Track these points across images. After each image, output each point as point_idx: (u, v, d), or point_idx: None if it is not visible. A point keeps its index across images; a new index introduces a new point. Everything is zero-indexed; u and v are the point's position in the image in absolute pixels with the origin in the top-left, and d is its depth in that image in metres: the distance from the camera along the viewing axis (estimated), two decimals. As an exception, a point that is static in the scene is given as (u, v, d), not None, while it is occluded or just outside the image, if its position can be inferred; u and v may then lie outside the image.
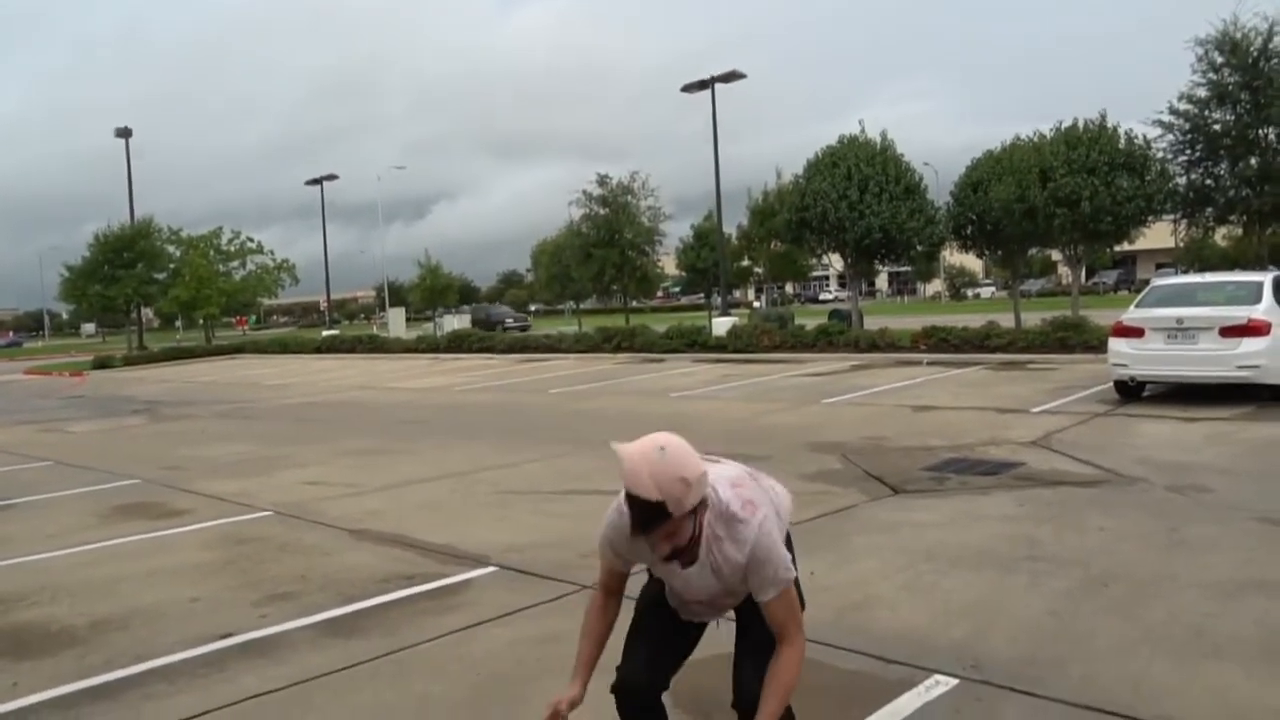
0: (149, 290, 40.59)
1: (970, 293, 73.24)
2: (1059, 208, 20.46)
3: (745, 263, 53.17)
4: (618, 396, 14.99)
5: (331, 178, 42.32)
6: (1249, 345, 10.14)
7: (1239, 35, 19.82)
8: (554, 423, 12.42)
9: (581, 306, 51.77)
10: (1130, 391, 11.31)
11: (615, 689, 2.73)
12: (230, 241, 44.18)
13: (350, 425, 13.35)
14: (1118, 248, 25.13)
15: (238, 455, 10.82)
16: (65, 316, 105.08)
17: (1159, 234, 26.59)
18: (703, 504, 2.46)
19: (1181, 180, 21.08)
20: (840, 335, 21.00)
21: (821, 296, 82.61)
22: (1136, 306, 11.53)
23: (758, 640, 2.67)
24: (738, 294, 70.03)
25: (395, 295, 65.63)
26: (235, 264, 44.35)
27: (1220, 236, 26.04)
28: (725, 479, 2.61)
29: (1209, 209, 21.11)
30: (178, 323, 65.77)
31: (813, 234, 23.15)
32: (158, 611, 5.17)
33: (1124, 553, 5.31)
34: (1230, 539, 5.47)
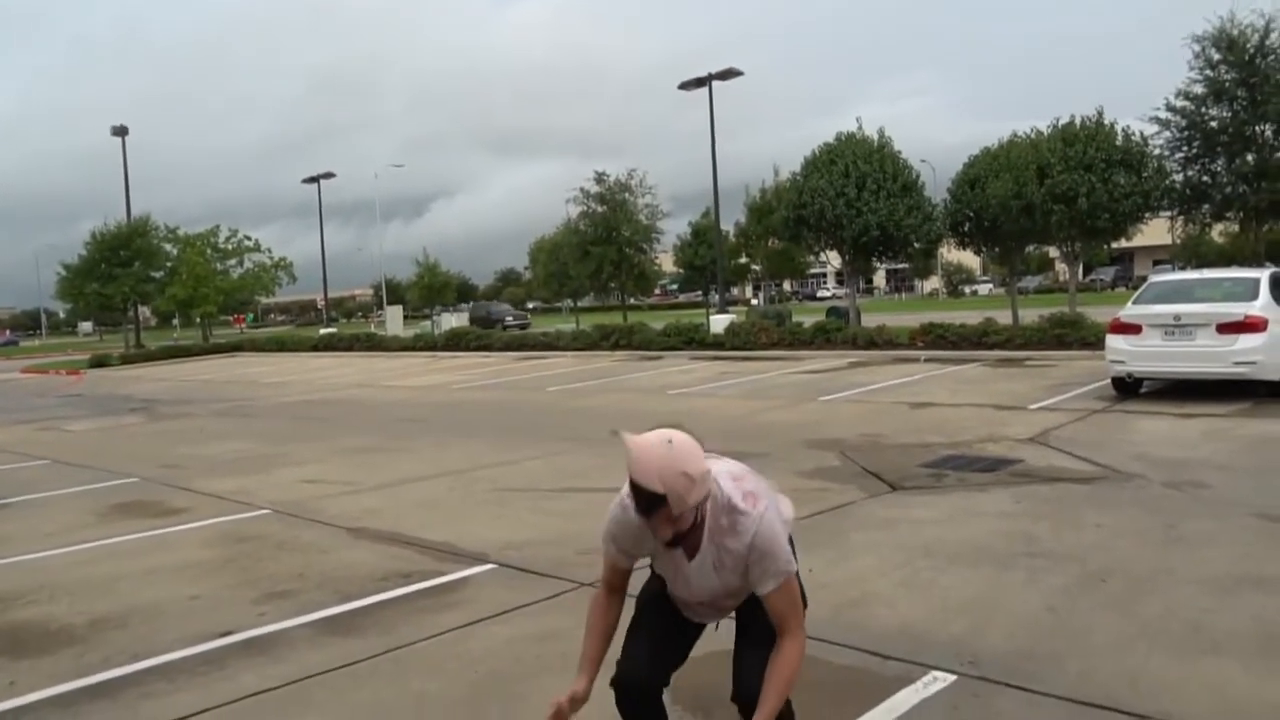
0: (146, 289, 40.55)
1: (968, 290, 73.31)
2: (1056, 204, 20.49)
3: (743, 260, 53.18)
4: (616, 394, 14.99)
5: (329, 176, 42.32)
6: (1246, 341, 10.16)
7: (1236, 32, 19.87)
8: (552, 420, 12.42)
9: (579, 304, 51.82)
10: (1128, 388, 11.33)
11: (615, 683, 2.73)
12: (227, 240, 44.19)
13: (348, 423, 13.34)
14: (1115, 244, 25.18)
15: (236, 453, 10.81)
16: (62, 315, 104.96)
17: (1156, 231, 26.59)
18: (705, 496, 2.49)
19: (1178, 177, 21.13)
20: (838, 332, 21.00)
21: (819, 294, 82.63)
22: (1134, 303, 11.55)
23: (758, 635, 2.68)
24: (735, 291, 70.04)
25: (393, 293, 65.64)
26: (232, 262, 44.34)
27: (1217, 233, 26.11)
28: (727, 473, 2.63)
29: (1206, 205, 21.17)
30: (175, 321, 65.65)
31: (810, 231, 23.18)
32: (156, 610, 5.17)
33: (1121, 549, 5.32)
34: (1227, 535, 5.48)
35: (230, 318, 55.00)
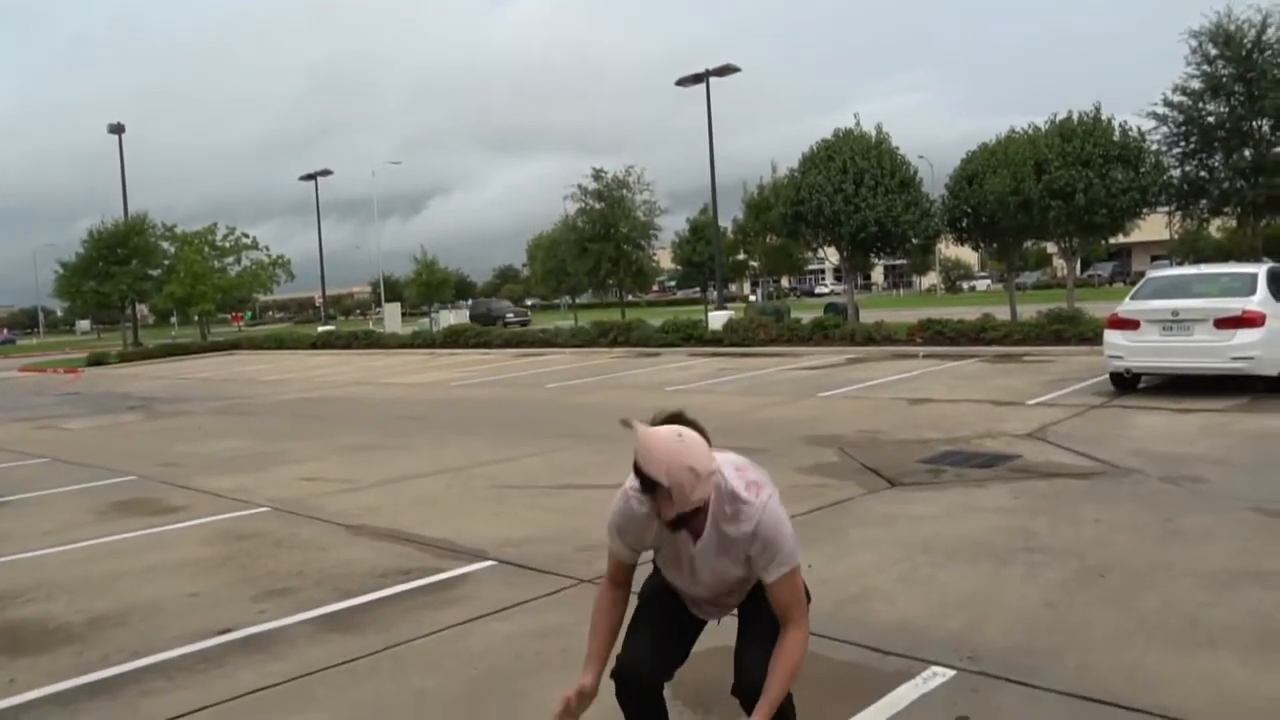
0: (144, 286, 40.49)
1: (965, 285, 73.33)
2: (1054, 200, 20.49)
3: (741, 256, 53.12)
4: (614, 391, 15.00)
5: (326, 173, 42.28)
6: (1244, 336, 10.17)
7: (1233, 27, 19.87)
8: (550, 417, 12.43)
9: (577, 301, 51.79)
10: (1126, 383, 11.34)
11: (615, 674, 2.73)
12: (225, 237, 44.07)
13: (347, 421, 13.34)
14: (1113, 240, 25.17)
15: (234, 451, 10.81)
16: (60, 314, 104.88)
17: (1154, 226, 26.62)
18: (709, 494, 2.51)
19: (1176, 172, 21.13)
20: (836, 328, 21.01)
21: (817, 290, 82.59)
22: (1132, 298, 11.56)
23: (760, 629, 2.70)
24: (733, 288, 69.99)
25: (391, 291, 65.58)
26: (230, 260, 44.24)
27: (1215, 228, 26.12)
28: (730, 463, 2.65)
29: (1203, 201, 21.17)
30: (173, 319, 65.67)
31: (808, 227, 23.15)
32: (155, 607, 5.17)
33: (1119, 544, 5.32)
34: (1225, 529, 5.49)
35: (228, 315, 54.95)
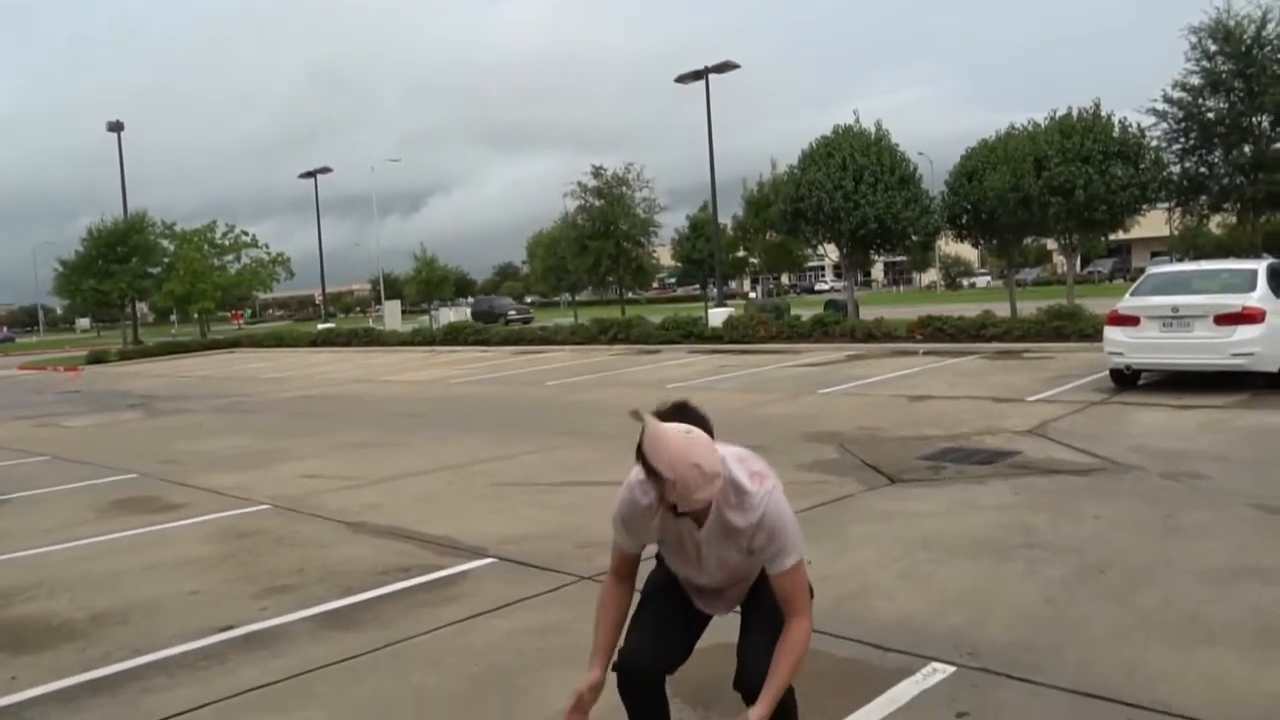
0: (143, 285, 40.50)
1: (965, 282, 73.34)
2: (1053, 196, 20.47)
3: (741, 253, 53.08)
4: (613, 388, 15.00)
5: (325, 171, 42.23)
6: (1243, 333, 10.17)
7: (1233, 23, 19.84)
8: (550, 415, 12.43)
9: (577, 298, 51.76)
10: (1126, 380, 11.34)
11: (617, 667, 2.74)
12: (224, 235, 44.05)
13: (347, 418, 13.34)
14: (1112, 236, 25.12)
15: (234, 449, 10.82)
16: (60, 312, 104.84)
17: (1154, 222, 26.63)
18: (714, 495, 2.52)
19: (1176, 168, 21.10)
20: (836, 325, 21.01)
21: (817, 287, 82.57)
22: (1132, 295, 11.56)
23: (763, 623, 2.71)
24: (733, 285, 69.96)
25: (391, 288, 65.61)
26: (230, 258, 44.22)
27: (1215, 224, 26.07)
28: (733, 455, 2.66)
29: (1203, 197, 21.15)
30: (173, 317, 65.65)
31: (808, 224, 23.14)
32: (157, 605, 5.18)
33: (1119, 540, 5.33)
34: (1225, 526, 5.50)
35: (228, 313, 54.92)
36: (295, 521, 6.99)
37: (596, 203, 33.89)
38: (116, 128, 39.71)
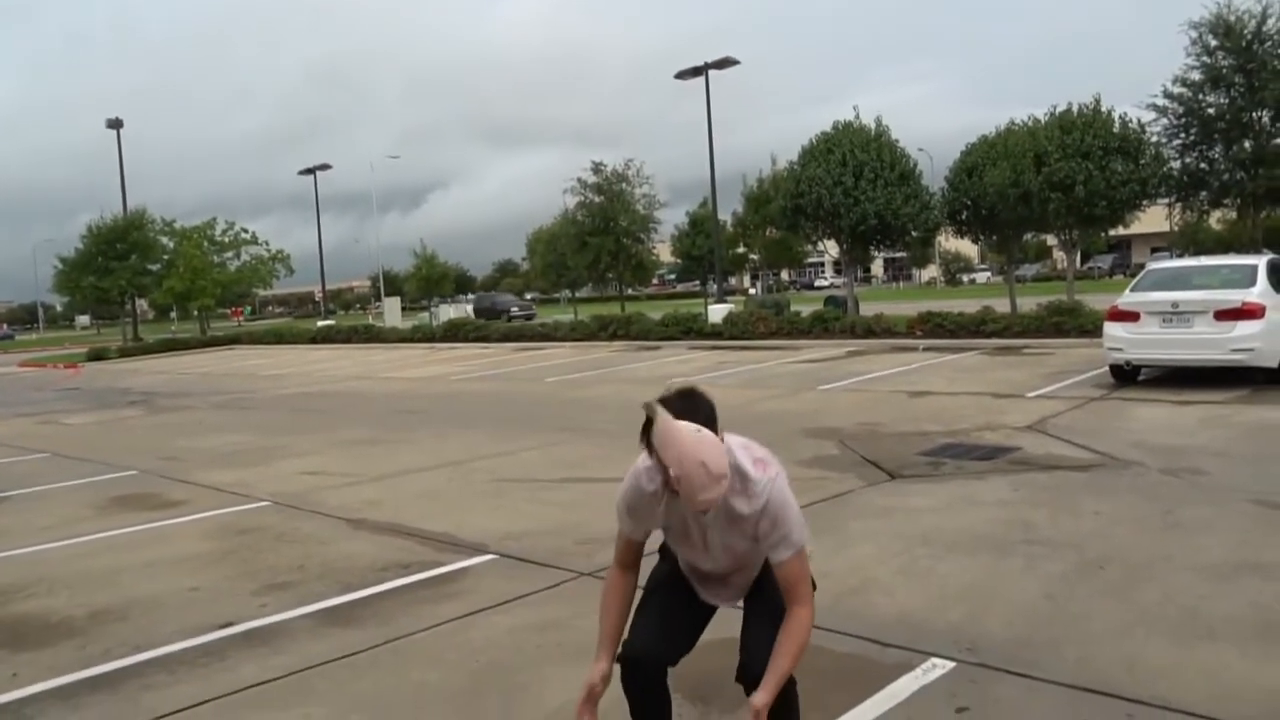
0: (143, 282, 40.47)
1: (965, 278, 73.28)
2: (1053, 192, 20.45)
3: (740, 250, 53.03)
4: (614, 385, 15.00)
5: (325, 167, 42.23)
6: (1243, 328, 10.17)
7: (1233, 18, 19.81)
8: (550, 411, 12.43)
9: (577, 295, 51.73)
10: (1125, 375, 11.34)
11: (622, 659, 2.75)
12: (224, 232, 43.98)
13: (347, 415, 13.34)
14: (1112, 232, 25.12)
15: (234, 446, 10.82)
16: (59, 309, 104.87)
17: (1154, 218, 26.60)
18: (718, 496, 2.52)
19: (1176, 164, 21.08)
20: (836, 321, 21.01)
21: (817, 283, 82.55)
22: (1132, 290, 11.55)
23: (766, 616, 2.72)
24: (733, 281, 69.95)
25: (390, 285, 65.57)
26: (229, 255, 44.17)
27: (1215, 220, 26.07)
28: (737, 443, 2.68)
29: (1203, 192, 21.13)
30: (172, 314, 65.63)
31: (808, 220, 23.12)
32: (157, 602, 5.18)
33: (1119, 536, 5.33)
34: (1225, 521, 5.50)
35: (228, 311, 54.91)
36: (295, 518, 6.99)
37: (596, 199, 33.84)
38: (116, 125, 39.70)
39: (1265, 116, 19.91)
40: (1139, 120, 20.88)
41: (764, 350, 19.49)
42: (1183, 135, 20.86)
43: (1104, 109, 21.00)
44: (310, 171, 42.14)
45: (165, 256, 41.45)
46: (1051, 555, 5.03)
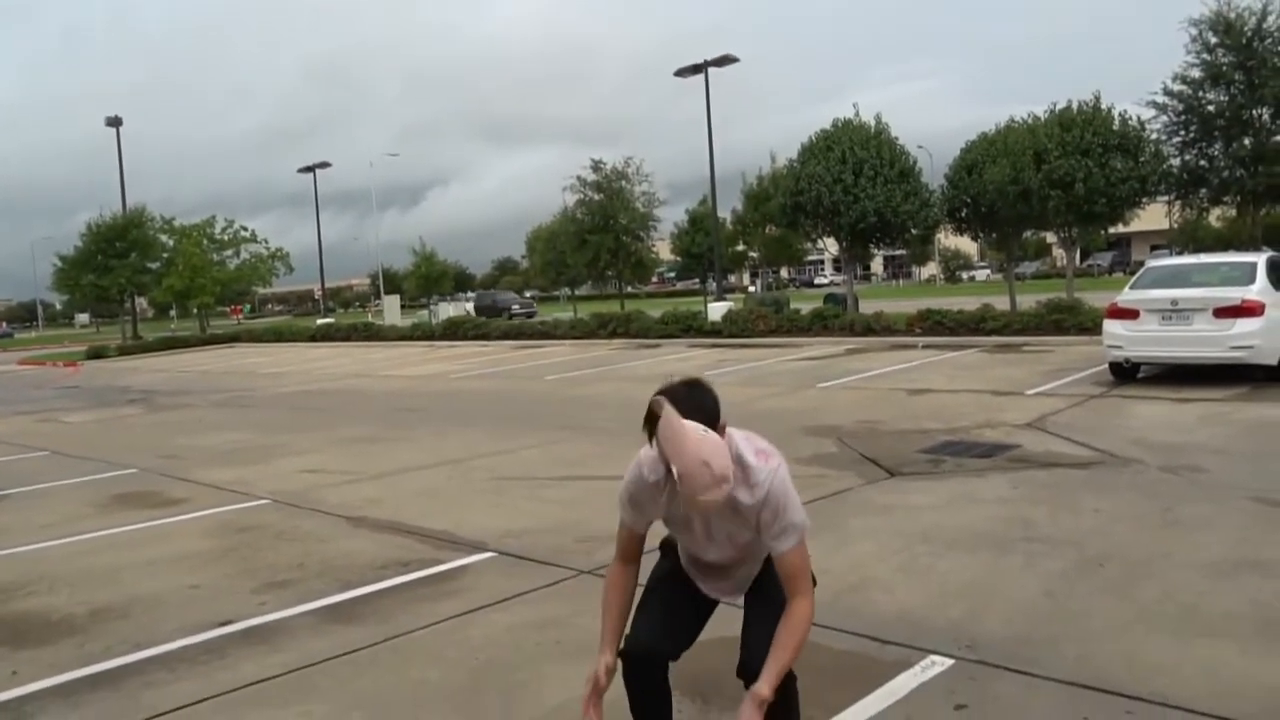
0: (142, 280, 40.43)
1: (965, 276, 73.27)
2: (1053, 190, 20.45)
3: (740, 247, 53.03)
4: (613, 383, 15.00)
5: (324, 165, 42.25)
6: (1243, 326, 10.17)
7: (1233, 15, 19.80)
8: (550, 409, 12.43)
9: (577, 292, 51.71)
10: (1125, 373, 11.35)
11: (623, 653, 2.75)
12: (224, 230, 43.90)
13: (346, 413, 13.35)
14: (1112, 230, 25.13)
15: (234, 444, 10.82)
16: (59, 307, 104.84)
17: (1153, 216, 26.57)
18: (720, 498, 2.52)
19: (1175, 161, 21.07)
20: (835, 319, 21.01)
21: (817, 281, 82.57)
22: (1131, 288, 11.56)
23: (767, 612, 2.72)
24: (733, 279, 69.93)
25: (390, 283, 65.54)
26: (229, 253, 44.10)
27: (1214, 217, 26.08)
28: (739, 434, 2.70)
29: (1203, 190, 21.13)
30: (172, 312, 65.55)
31: (807, 218, 23.11)
32: (157, 600, 5.18)
33: (1118, 533, 5.33)
34: (1224, 519, 5.50)
35: (227, 309, 54.91)
36: (295, 516, 6.99)
37: (595, 197, 33.81)
38: (115, 123, 39.70)
39: (1265, 114, 19.90)
40: (1139, 117, 20.90)
41: (763, 348, 19.49)
42: (1182, 132, 20.85)
43: (1104, 106, 21.01)
44: (310, 169, 42.15)
45: (165, 254, 41.38)
46: (1051, 553, 5.03)
